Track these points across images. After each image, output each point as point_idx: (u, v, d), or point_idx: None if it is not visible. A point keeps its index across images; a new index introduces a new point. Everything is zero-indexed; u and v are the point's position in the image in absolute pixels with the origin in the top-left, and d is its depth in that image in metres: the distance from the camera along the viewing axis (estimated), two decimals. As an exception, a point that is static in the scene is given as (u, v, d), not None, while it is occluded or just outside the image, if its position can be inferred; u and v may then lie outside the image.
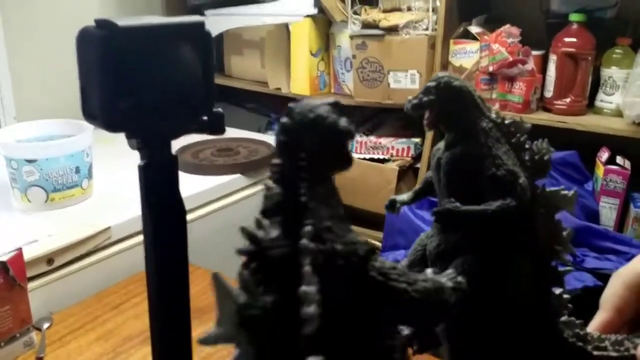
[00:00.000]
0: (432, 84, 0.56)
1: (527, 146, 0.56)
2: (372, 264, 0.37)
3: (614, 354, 0.56)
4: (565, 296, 0.57)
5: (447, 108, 0.57)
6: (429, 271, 0.40)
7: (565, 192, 0.56)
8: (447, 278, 0.41)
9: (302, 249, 0.34)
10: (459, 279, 0.41)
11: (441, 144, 0.60)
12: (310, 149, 0.38)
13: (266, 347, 0.33)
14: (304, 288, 0.32)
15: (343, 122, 0.39)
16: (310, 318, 0.31)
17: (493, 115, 0.57)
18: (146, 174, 0.43)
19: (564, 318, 0.57)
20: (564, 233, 0.56)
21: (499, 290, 0.54)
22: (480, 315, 0.54)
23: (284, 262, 0.34)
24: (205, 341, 0.33)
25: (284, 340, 0.33)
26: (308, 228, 0.35)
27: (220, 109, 0.48)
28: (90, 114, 0.41)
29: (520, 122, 0.57)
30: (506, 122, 0.57)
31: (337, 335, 0.35)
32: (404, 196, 0.65)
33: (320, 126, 0.38)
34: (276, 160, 0.38)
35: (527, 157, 0.56)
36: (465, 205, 0.54)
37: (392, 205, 0.64)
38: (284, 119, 0.39)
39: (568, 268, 0.58)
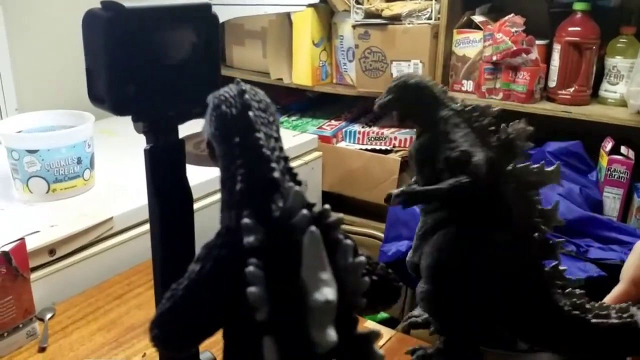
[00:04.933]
0: (393, 84, 0.64)
1: (490, 129, 0.60)
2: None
3: (615, 320, 0.58)
4: (562, 268, 0.61)
5: (408, 105, 0.64)
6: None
7: (536, 166, 0.60)
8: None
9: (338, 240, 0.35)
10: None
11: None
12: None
13: None
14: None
15: None
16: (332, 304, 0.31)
17: (455, 105, 0.62)
18: (152, 157, 0.42)
19: (568, 290, 0.60)
20: (550, 206, 0.60)
21: (474, 260, 0.59)
22: (461, 284, 0.59)
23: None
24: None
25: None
26: (311, 212, 0.35)
27: (226, 94, 0.47)
28: (97, 97, 0.40)
29: (486, 107, 0.61)
30: (467, 109, 0.62)
31: None
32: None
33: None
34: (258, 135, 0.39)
35: (493, 139, 0.60)
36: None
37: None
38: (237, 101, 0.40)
39: (560, 240, 0.61)
